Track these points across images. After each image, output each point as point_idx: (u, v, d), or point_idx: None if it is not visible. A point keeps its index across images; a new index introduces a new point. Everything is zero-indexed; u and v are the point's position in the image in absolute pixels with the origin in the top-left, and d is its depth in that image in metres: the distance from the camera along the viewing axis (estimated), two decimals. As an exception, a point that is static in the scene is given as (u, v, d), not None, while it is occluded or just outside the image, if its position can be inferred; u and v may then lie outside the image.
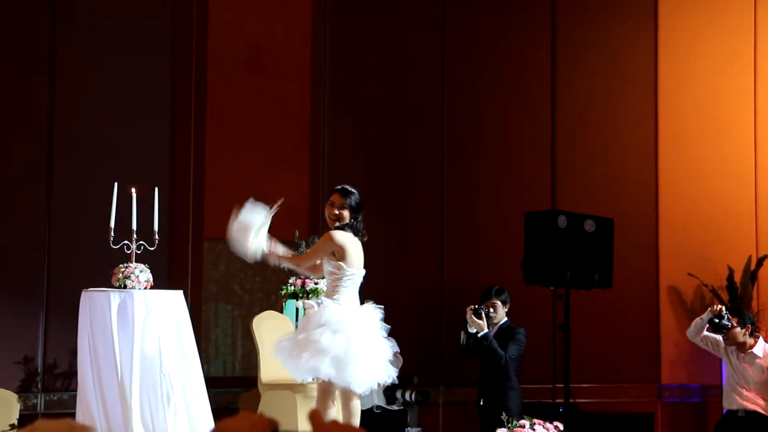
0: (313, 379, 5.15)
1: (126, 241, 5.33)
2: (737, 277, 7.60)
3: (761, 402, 6.24)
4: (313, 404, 5.38)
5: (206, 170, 6.97)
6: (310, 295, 6.35)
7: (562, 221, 6.83)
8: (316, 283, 6.32)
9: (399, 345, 5.10)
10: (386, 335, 5.02)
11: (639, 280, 7.63)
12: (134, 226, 5.34)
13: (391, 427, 6.19)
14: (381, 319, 5.03)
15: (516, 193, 7.54)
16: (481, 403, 6.34)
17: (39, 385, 6.42)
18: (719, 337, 6.28)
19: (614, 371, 7.55)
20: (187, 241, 6.83)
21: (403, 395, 6.12)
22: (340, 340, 4.85)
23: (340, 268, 4.96)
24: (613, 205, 7.49)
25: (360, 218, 5.10)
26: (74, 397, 5.43)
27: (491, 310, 6.31)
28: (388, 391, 6.09)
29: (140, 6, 6.89)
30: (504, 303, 6.41)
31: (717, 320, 6.22)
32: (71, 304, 5.47)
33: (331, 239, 4.97)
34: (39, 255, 6.49)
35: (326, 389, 4.96)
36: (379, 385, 5.09)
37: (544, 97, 7.70)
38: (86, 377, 5.13)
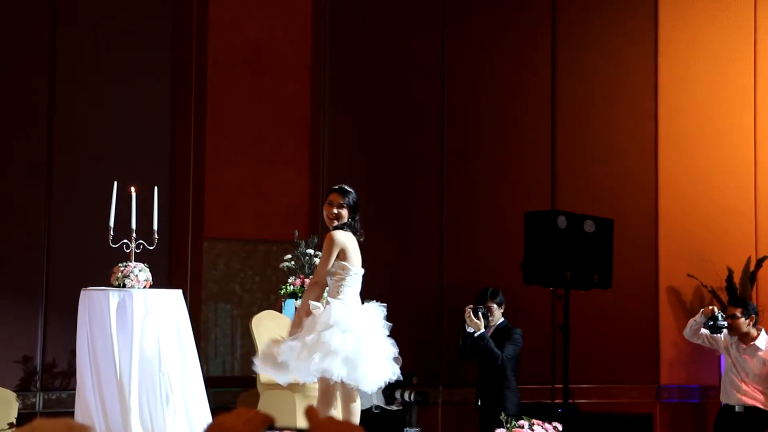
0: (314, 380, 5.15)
1: (125, 241, 5.34)
2: (736, 278, 7.60)
3: (760, 396, 6.22)
4: (312, 403, 5.37)
5: (206, 170, 6.97)
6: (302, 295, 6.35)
7: (561, 221, 6.83)
8: (315, 283, 6.31)
9: (398, 345, 5.11)
10: (388, 334, 5.03)
11: (638, 281, 7.63)
12: (134, 226, 5.34)
13: (390, 427, 6.18)
14: (384, 318, 5.04)
15: (516, 193, 7.55)
16: (479, 404, 6.34)
17: (38, 384, 6.42)
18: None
19: (613, 372, 7.55)
20: (187, 240, 6.83)
21: (402, 395, 6.12)
22: (350, 340, 4.86)
23: (344, 269, 4.97)
24: (613, 205, 7.49)
25: (357, 217, 5.10)
26: (73, 396, 5.43)
27: (486, 309, 6.32)
28: (388, 391, 6.09)
29: (140, 6, 6.89)
30: (500, 305, 6.43)
31: (712, 322, 6.21)
32: (70, 303, 5.47)
33: (335, 240, 4.97)
34: (38, 254, 6.49)
35: (327, 389, 4.96)
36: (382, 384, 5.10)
37: (544, 97, 7.70)
38: (85, 376, 5.13)
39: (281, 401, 5.83)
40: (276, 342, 5.00)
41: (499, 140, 7.62)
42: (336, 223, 5.05)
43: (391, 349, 5.01)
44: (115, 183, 5.41)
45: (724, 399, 6.35)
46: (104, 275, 5.39)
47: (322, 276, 5.02)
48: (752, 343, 6.23)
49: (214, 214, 6.99)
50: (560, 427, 5.54)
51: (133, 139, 6.75)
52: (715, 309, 6.28)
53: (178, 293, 5.35)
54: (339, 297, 4.98)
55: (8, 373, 6.31)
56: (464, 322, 6.24)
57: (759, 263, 7.64)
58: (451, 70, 7.56)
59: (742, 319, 6.20)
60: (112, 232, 5.29)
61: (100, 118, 6.71)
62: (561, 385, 6.77)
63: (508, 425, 5.50)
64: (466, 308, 6.25)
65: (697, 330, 6.32)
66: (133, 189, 5.39)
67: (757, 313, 6.33)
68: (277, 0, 7.28)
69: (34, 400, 6.39)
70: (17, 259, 6.49)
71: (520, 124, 7.68)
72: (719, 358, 7.57)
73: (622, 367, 7.56)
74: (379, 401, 6.16)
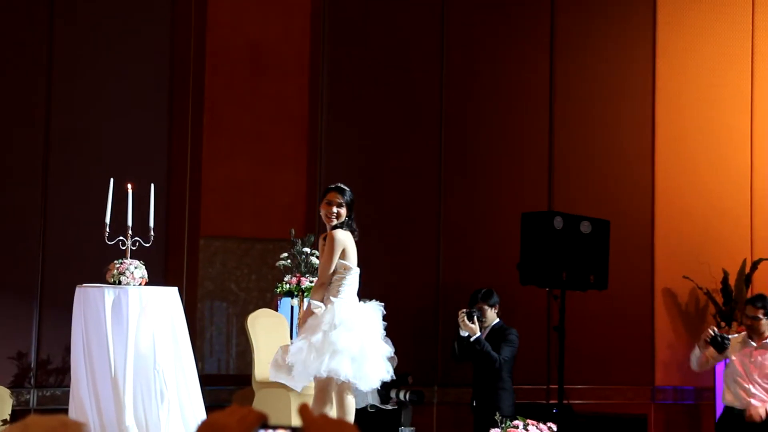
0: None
1: (121, 237, 5.33)
2: (732, 281, 7.61)
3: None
4: (307, 402, 5.37)
5: (203, 167, 6.96)
6: (305, 294, 6.35)
7: (558, 222, 6.83)
8: (311, 282, 6.32)
9: (394, 344, 5.11)
10: (384, 333, 5.04)
11: (634, 282, 7.64)
12: (130, 223, 5.33)
13: (385, 426, 6.18)
14: (382, 317, 5.05)
15: (513, 193, 7.55)
16: (474, 404, 6.35)
17: (32, 381, 6.41)
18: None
19: (608, 372, 7.55)
20: (183, 238, 6.83)
21: (397, 395, 6.12)
22: (355, 339, 4.86)
23: (345, 268, 4.98)
24: (610, 206, 7.49)
25: (353, 216, 5.11)
26: (67, 393, 5.42)
27: (480, 311, 6.32)
28: (383, 391, 6.08)
29: (139, 4, 6.88)
30: (492, 306, 6.43)
31: (716, 344, 6.02)
32: (65, 299, 5.46)
33: (338, 240, 4.97)
34: (34, 250, 6.48)
35: (324, 388, 4.96)
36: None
37: (542, 98, 7.70)
38: (80, 373, 5.13)
39: (276, 399, 5.83)
40: (286, 349, 5.00)
41: (497, 141, 7.63)
42: (335, 222, 5.04)
43: (386, 348, 5.01)
44: (112, 180, 5.40)
45: (728, 402, 6.21)
46: (100, 272, 5.39)
47: (327, 277, 5.00)
48: (764, 341, 6.05)
49: (210, 212, 6.99)
50: (555, 428, 5.54)
51: (130, 136, 6.74)
52: (713, 330, 6.07)
53: (173, 291, 5.34)
54: (339, 296, 4.98)
55: (2, 370, 6.30)
56: (459, 326, 6.23)
57: (754, 266, 7.65)
58: (449, 70, 7.56)
59: (764, 320, 6.02)
60: (108, 229, 5.29)
61: (97, 116, 6.70)
62: (556, 386, 6.77)
63: (503, 425, 5.50)
64: (459, 313, 6.23)
65: (703, 361, 6.15)
66: (129, 186, 5.39)
67: None
68: (276, -1, 7.28)
69: (28, 396, 6.38)
70: (12, 255, 6.48)
71: (517, 125, 7.68)
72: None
73: (617, 368, 7.57)
74: (374, 400, 6.15)
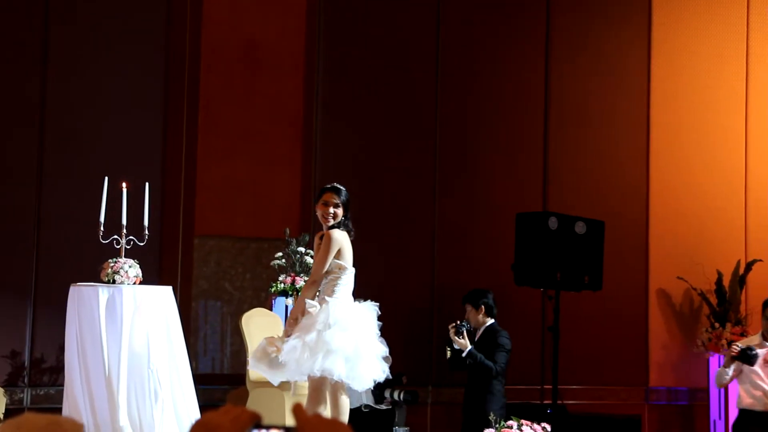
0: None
1: (116, 236, 5.32)
2: (726, 281, 7.62)
3: None
4: (301, 402, 5.36)
5: (198, 167, 6.95)
6: (299, 293, 6.35)
7: (553, 223, 6.84)
8: (305, 281, 6.31)
9: (389, 344, 5.11)
10: (379, 334, 5.04)
11: (629, 283, 7.65)
12: (124, 221, 5.32)
13: (379, 426, 6.18)
14: (377, 317, 5.05)
15: (507, 194, 7.55)
16: (464, 407, 6.38)
17: (26, 380, 6.39)
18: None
19: (602, 373, 7.56)
20: (178, 237, 6.82)
21: (391, 395, 6.12)
22: (350, 339, 4.86)
23: (341, 268, 4.98)
24: (604, 207, 7.50)
25: (349, 215, 5.11)
26: (61, 392, 5.41)
27: (467, 321, 6.30)
28: (377, 391, 6.08)
29: (134, 4, 6.87)
30: (477, 307, 6.39)
31: (746, 357, 5.96)
32: (59, 298, 5.45)
33: (335, 239, 4.97)
34: (28, 249, 6.46)
35: (318, 387, 4.96)
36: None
37: (537, 98, 7.71)
38: (73, 372, 5.12)
39: (270, 399, 5.83)
40: (272, 341, 4.99)
41: (492, 141, 7.63)
42: (332, 222, 5.04)
43: (381, 348, 5.01)
44: (106, 178, 5.39)
45: (747, 405, 6.16)
46: (94, 271, 5.38)
47: (320, 275, 5.01)
48: None
49: (205, 211, 6.98)
50: (549, 428, 5.55)
51: (124, 134, 6.73)
52: (737, 345, 6.00)
53: (168, 290, 5.34)
54: (334, 296, 4.98)
55: (-4, 368, 6.29)
56: (450, 339, 6.25)
57: (748, 266, 7.67)
58: (445, 70, 7.56)
59: None
60: (102, 228, 5.28)
61: (92, 115, 6.69)
62: (550, 386, 6.77)
63: (497, 426, 5.50)
64: (450, 328, 6.23)
65: (734, 376, 6.13)
66: (124, 185, 5.38)
67: None
68: (272, -3, 7.27)
69: (21, 395, 6.36)
70: (7, 253, 6.47)
71: (513, 126, 7.68)
72: (707, 360, 7.60)
73: (611, 368, 7.58)
74: (368, 400, 6.15)
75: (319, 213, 5.11)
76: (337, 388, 4.97)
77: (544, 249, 6.81)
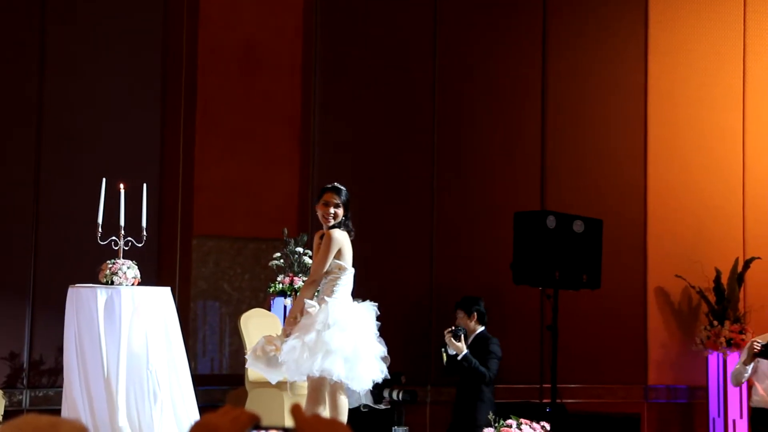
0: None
1: (114, 237, 5.32)
2: (724, 279, 7.63)
3: None
4: (300, 402, 5.36)
5: (195, 167, 6.95)
6: (298, 294, 6.35)
7: (551, 222, 6.84)
8: (304, 281, 6.31)
9: (387, 344, 5.11)
10: (378, 334, 5.05)
11: (627, 281, 7.65)
12: (122, 222, 5.32)
13: (378, 426, 6.18)
14: (376, 318, 5.05)
15: (505, 193, 7.55)
16: (454, 412, 6.42)
17: (24, 382, 6.39)
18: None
19: (601, 372, 7.57)
20: (176, 237, 6.82)
21: (390, 394, 6.12)
22: (349, 339, 4.86)
23: (341, 268, 4.98)
24: (602, 206, 7.51)
25: (349, 215, 5.11)
26: (60, 394, 5.41)
27: (461, 326, 6.38)
28: (376, 390, 6.08)
29: (131, 4, 6.87)
30: (469, 313, 6.46)
31: (764, 353, 5.93)
32: (58, 299, 5.45)
33: (335, 239, 4.96)
34: (26, 250, 6.46)
35: (317, 388, 4.96)
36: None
37: (534, 97, 7.71)
38: (72, 374, 5.11)
39: (269, 399, 5.83)
40: (270, 340, 4.99)
41: (490, 140, 7.63)
42: (332, 222, 5.04)
43: (380, 348, 5.02)
44: (104, 179, 5.39)
45: (764, 404, 6.14)
46: (92, 272, 5.37)
47: (320, 275, 5.01)
48: None
49: (203, 212, 6.98)
50: (548, 427, 5.55)
51: (122, 135, 6.73)
52: (757, 342, 5.95)
53: (166, 291, 5.33)
54: (333, 296, 4.98)
55: (-5, 370, 6.29)
56: (445, 344, 6.29)
57: (747, 264, 7.67)
58: (443, 70, 7.56)
59: None
60: (100, 229, 5.28)
61: (89, 115, 6.68)
62: (549, 385, 6.78)
63: (497, 425, 5.50)
64: (446, 333, 6.29)
65: (744, 373, 6.11)
66: (122, 186, 5.37)
67: None
68: (269, -3, 7.27)
69: (20, 397, 6.36)
70: (5, 254, 6.46)
71: (510, 124, 7.69)
72: (706, 358, 7.60)
73: (610, 367, 7.58)
74: (367, 400, 6.15)
75: (319, 213, 5.11)
76: (336, 388, 4.97)
77: (542, 248, 6.81)
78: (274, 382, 5.25)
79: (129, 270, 5.23)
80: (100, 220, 5.29)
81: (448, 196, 7.50)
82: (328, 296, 4.97)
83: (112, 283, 5.20)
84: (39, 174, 6.54)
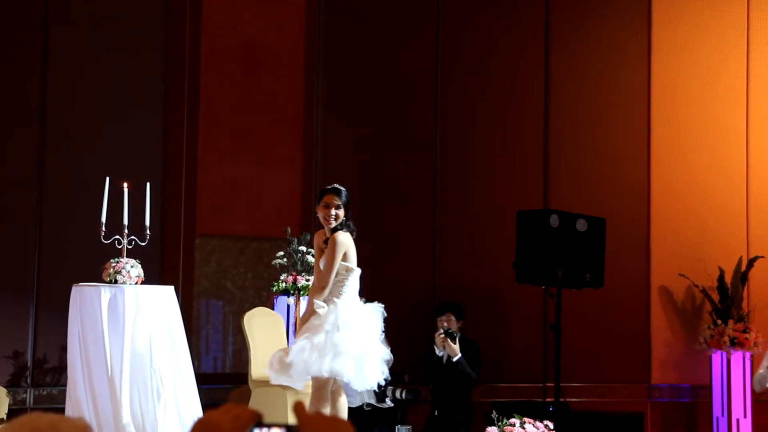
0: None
1: (117, 237, 5.33)
2: (728, 278, 7.62)
3: None
4: (304, 400, 5.36)
5: (199, 166, 6.96)
6: (301, 292, 6.35)
7: (554, 220, 6.84)
8: (307, 280, 6.32)
9: (390, 343, 5.12)
10: (383, 336, 5.06)
11: (630, 280, 7.65)
12: (125, 222, 5.33)
13: (381, 425, 6.19)
14: (381, 319, 5.06)
15: (508, 191, 7.55)
16: (435, 414, 6.43)
17: (28, 380, 6.40)
18: None
19: (605, 370, 7.56)
20: (179, 237, 6.82)
21: (393, 393, 6.13)
22: (358, 340, 4.86)
23: (348, 270, 4.98)
24: (606, 204, 7.50)
25: (349, 215, 5.11)
26: (64, 392, 5.42)
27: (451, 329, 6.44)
28: (379, 389, 6.10)
29: (133, 3, 6.87)
30: (459, 317, 6.61)
31: None
32: (62, 298, 5.46)
33: (341, 242, 4.97)
34: (30, 249, 6.47)
35: (322, 386, 4.96)
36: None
37: (537, 96, 7.71)
38: (76, 372, 5.12)
39: (273, 398, 5.83)
40: (287, 351, 5.00)
41: (492, 139, 7.63)
42: (334, 224, 5.04)
43: (384, 350, 5.02)
44: (107, 179, 5.39)
45: None
46: (96, 271, 5.38)
47: (329, 281, 4.98)
48: None
49: (206, 211, 6.99)
50: (551, 426, 5.55)
51: (125, 135, 6.74)
52: None
53: (170, 290, 5.34)
54: (341, 297, 4.98)
55: (-1, 369, 6.30)
56: (432, 343, 6.33)
57: (750, 263, 7.66)
58: (445, 69, 7.56)
59: None
60: (103, 228, 5.28)
61: (92, 115, 6.69)
62: (552, 384, 6.78)
63: (500, 423, 5.50)
64: (437, 336, 6.33)
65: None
66: (125, 185, 5.38)
67: None
68: (271, -3, 7.27)
69: (24, 395, 6.37)
70: (8, 254, 6.48)
71: (512, 123, 7.68)
72: (710, 357, 7.59)
73: (614, 366, 7.57)
74: (370, 399, 6.16)
75: (320, 215, 5.10)
76: (337, 388, 4.98)
77: (545, 246, 6.81)
78: (301, 388, 5.25)
79: (133, 269, 5.24)
80: (103, 219, 5.30)
81: (449, 195, 7.49)
82: (337, 297, 4.97)
83: (116, 281, 5.21)
84: (41, 174, 6.55)
